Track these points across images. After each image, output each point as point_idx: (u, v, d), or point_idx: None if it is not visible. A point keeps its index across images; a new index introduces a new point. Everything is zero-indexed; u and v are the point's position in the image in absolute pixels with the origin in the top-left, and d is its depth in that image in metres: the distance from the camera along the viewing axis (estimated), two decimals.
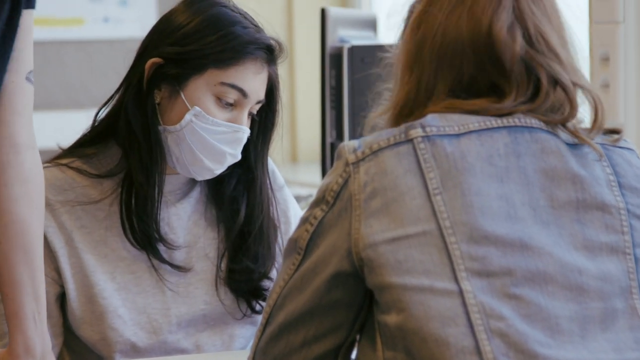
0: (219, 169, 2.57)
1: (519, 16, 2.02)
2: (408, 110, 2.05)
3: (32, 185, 2.33)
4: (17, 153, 2.29)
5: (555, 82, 2.02)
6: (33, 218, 2.33)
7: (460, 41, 2.02)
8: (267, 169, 2.68)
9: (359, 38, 3.30)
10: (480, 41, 2.02)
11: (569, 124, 2.01)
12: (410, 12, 2.11)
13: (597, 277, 1.93)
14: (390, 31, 4.00)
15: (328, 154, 3.28)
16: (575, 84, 2.02)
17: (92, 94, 4.55)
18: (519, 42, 2.01)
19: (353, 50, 3.23)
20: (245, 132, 2.56)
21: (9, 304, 2.33)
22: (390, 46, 2.20)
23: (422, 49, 2.05)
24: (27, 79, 2.24)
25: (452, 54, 2.03)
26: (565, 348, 1.87)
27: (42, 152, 2.50)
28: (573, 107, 2.01)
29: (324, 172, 3.36)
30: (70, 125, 3.55)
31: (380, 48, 3.32)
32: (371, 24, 3.49)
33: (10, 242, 2.31)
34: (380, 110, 2.09)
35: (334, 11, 3.31)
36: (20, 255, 2.32)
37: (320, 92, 3.30)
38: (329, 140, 3.26)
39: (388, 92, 2.10)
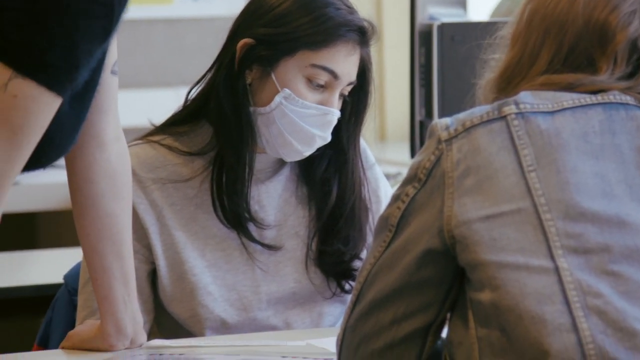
0: (308, 151, 2.58)
1: None
2: (510, 76, 2.06)
3: (118, 178, 2.36)
4: (103, 151, 2.32)
5: None
6: (119, 210, 2.36)
7: (573, 17, 2.02)
8: (359, 150, 2.68)
9: (448, 15, 3.31)
10: (594, 22, 2.02)
11: None
12: None
13: None
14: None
15: (417, 132, 3.29)
16: None
17: (180, 72, 4.57)
18: (634, 27, 2.01)
19: (443, 27, 3.23)
20: (335, 115, 2.56)
21: (99, 289, 2.38)
22: (492, 24, 2.21)
23: (533, 19, 2.05)
24: (113, 72, 2.24)
25: (560, 25, 2.03)
26: None
27: (132, 130, 2.52)
28: None
29: (412, 151, 3.37)
30: (158, 103, 3.56)
31: (470, 25, 3.35)
32: (461, 2, 3.50)
33: (99, 234, 2.35)
34: (488, 78, 2.09)
35: None
36: (108, 245, 2.36)
37: (410, 70, 3.31)
38: (418, 118, 3.27)
39: (494, 63, 2.10)
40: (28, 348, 2.64)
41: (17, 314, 3.16)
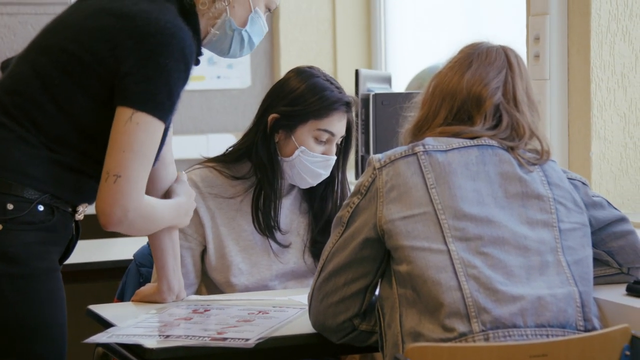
0: (315, 183, 2.57)
1: (505, 83, 2.03)
2: (420, 127, 2.06)
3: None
4: (165, 167, 2.28)
5: (512, 123, 2.02)
6: None
7: (460, 89, 2.03)
8: (346, 177, 2.66)
9: (379, 88, 3.29)
10: (474, 92, 2.02)
11: (519, 150, 2.01)
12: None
13: (536, 241, 1.93)
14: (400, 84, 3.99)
15: (359, 163, 3.27)
16: (529, 128, 2.02)
17: (209, 124, 4.53)
18: (497, 96, 2.02)
19: (376, 96, 3.20)
20: (333, 159, 2.55)
21: (158, 261, 2.34)
22: (407, 94, 2.22)
23: (435, 90, 2.05)
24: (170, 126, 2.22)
25: (452, 94, 2.03)
26: (516, 286, 1.88)
27: (182, 161, 2.51)
28: (521, 140, 2.01)
29: (356, 174, 3.34)
30: (193, 144, 3.55)
31: (393, 95, 3.35)
32: (387, 80, 3.48)
33: None
34: (405, 129, 2.09)
35: (364, 71, 3.30)
36: (165, 233, 2.31)
37: (355, 122, 3.29)
38: (360, 154, 3.25)
39: (409, 118, 2.10)
40: (110, 300, 2.62)
41: (103, 278, 3.14)
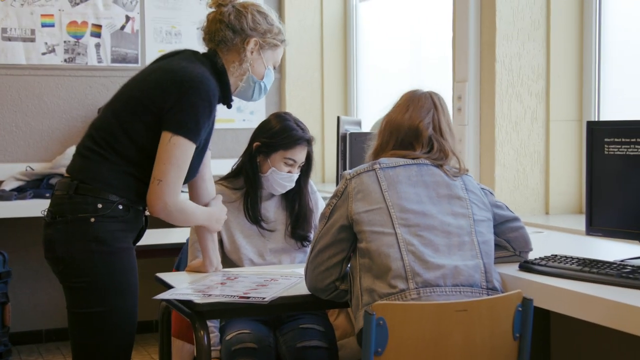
0: (283, 192, 2.55)
1: (434, 120, 2.02)
2: (377, 152, 2.04)
3: (211, 196, 2.30)
4: (203, 182, 2.28)
5: (441, 147, 2.01)
6: None
7: (403, 125, 2.02)
8: (308, 187, 2.63)
9: (353, 129, 3.27)
10: (412, 127, 2.01)
11: (445, 166, 2.00)
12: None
13: (457, 227, 1.93)
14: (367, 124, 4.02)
15: (339, 177, 3.26)
16: (452, 151, 2.02)
17: (237, 152, 4.48)
18: (429, 130, 2.00)
19: (351, 135, 3.19)
20: (295, 176, 2.54)
21: (202, 243, 2.32)
22: (368, 132, 2.15)
23: (386, 126, 2.05)
24: (209, 149, 2.22)
25: (398, 128, 2.03)
26: (441, 258, 1.87)
27: (219, 175, 2.52)
28: (446, 160, 2.00)
29: (337, 184, 3.31)
30: (227, 165, 3.51)
31: (362, 134, 3.35)
32: (358, 123, 3.46)
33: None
34: (368, 153, 2.08)
35: (343, 118, 3.30)
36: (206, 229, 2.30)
37: (336, 152, 3.23)
38: (340, 172, 3.25)
39: (370, 145, 2.09)
40: (170, 270, 2.57)
41: (166, 255, 3.09)
